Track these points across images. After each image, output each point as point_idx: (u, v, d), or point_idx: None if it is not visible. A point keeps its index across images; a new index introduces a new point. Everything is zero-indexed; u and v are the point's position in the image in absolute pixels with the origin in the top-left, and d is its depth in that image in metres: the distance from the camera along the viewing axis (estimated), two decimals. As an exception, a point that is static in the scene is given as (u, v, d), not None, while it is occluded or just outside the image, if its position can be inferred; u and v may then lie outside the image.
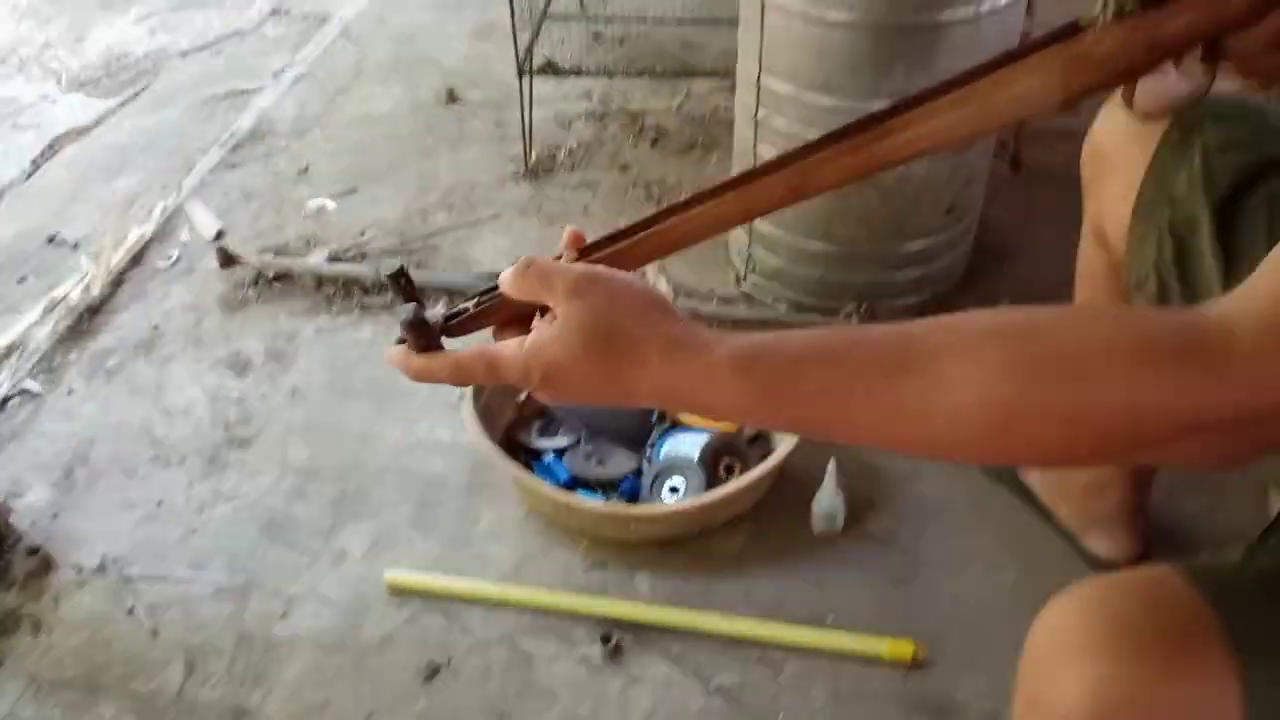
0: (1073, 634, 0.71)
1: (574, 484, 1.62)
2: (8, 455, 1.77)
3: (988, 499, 1.60)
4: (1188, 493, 1.59)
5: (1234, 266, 0.99)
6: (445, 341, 0.74)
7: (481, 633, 1.47)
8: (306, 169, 2.49)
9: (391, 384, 1.85)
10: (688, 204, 0.76)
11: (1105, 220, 1.21)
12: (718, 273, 2.08)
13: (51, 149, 2.64)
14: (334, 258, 2.15)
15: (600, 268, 0.69)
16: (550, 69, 2.50)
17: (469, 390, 1.63)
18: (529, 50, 2.38)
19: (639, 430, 1.69)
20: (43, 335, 1.99)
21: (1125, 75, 0.79)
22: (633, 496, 1.62)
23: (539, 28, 2.48)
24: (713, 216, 0.76)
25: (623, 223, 0.77)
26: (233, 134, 2.62)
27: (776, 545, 1.57)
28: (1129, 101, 0.89)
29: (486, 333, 0.75)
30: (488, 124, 2.61)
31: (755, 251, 1.96)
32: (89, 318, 2.04)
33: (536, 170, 2.42)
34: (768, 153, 1.76)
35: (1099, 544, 1.48)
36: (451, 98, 2.72)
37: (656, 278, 1.99)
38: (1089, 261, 1.32)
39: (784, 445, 1.58)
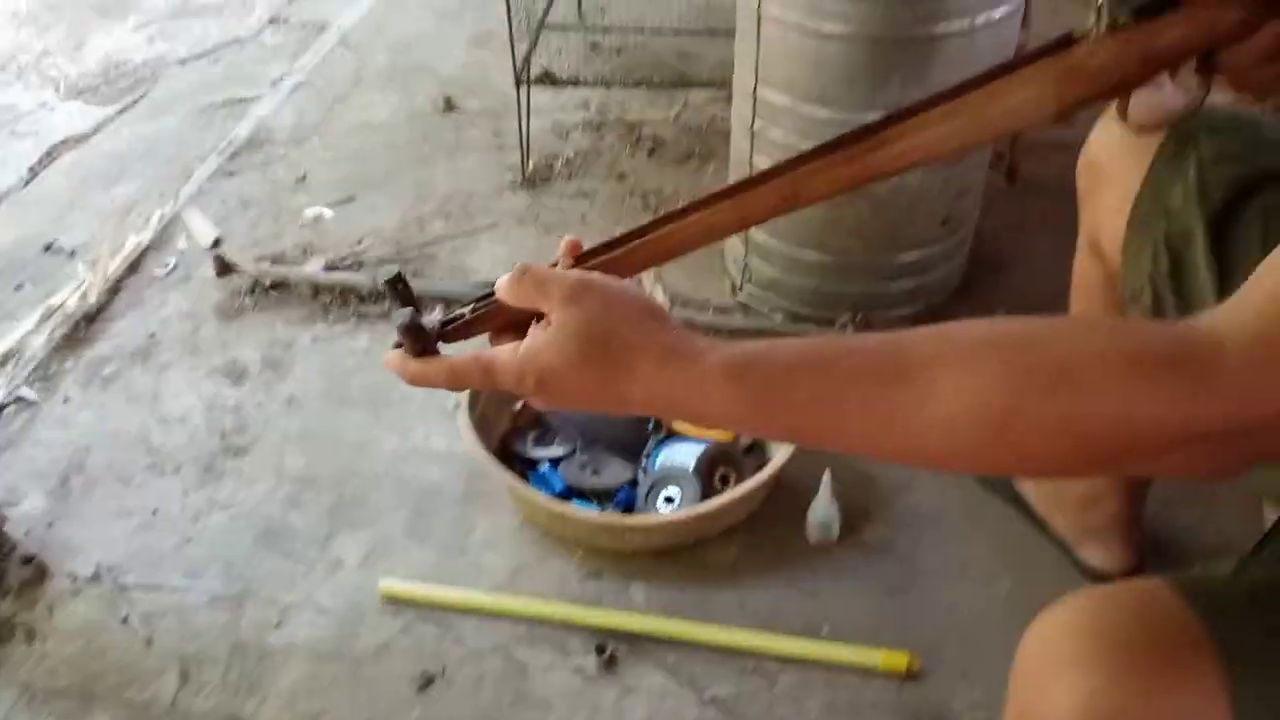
0: (1063, 646, 0.71)
1: (569, 494, 1.62)
2: (3, 463, 1.76)
3: (983, 509, 1.61)
4: (1182, 504, 1.59)
5: (1229, 279, 0.99)
6: (442, 347, 0.75)
7: (476, 642, 1.47)
8: (304, 177, 2.49)
9: (387, 392, 1.85)
10: (683, 212, 0.76)
11: (1100, 232, 1.21)
12: (714, 282, 2.08)
13: (49, 156, 2.64)
14: (331, 266, 2.16)
15: (595, 275, 0.69)
16: (548, 79, 2.51)
17: (465, 399, 1.63)
18: (526, 60, 2.38)
19: (634, 440, 1.70)
20: (39, 343, 1.99)
21: (1119, 88, 0.79)
22: (628, 506, 1.62)
23: (537, 37, 2.48)
24: (707, 225, 0.76)
25: (619, 232, 0.77)
26: (231, 142, 2.62)
27: (772, 555, 1.57)
28: (1123, 114, 0.90)
29: (483, 338, 0.76)
30: (485, 133, 2.62)
31: (751, 261, 1.96)
32: (85, 325, 2.04)
33: (534, 179, 2.42)
34: (764, 163, 1.77)
35: (1094, 555, 1.48)
36: (449, 106, 2.73)
37: (653, 287, 2.00)
38: (1084, 273, 1.32)
39: (779, 455, 1.58)
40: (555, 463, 1.67)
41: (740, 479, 1.59)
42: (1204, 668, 0.68)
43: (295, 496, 1.69)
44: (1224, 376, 0.58)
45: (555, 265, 0.75)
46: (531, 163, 2.44)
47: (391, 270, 0.74)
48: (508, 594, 1.52)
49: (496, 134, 2.59)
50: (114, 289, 2.13)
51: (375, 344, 1.97)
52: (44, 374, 1.93)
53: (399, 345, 0.74)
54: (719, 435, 1.67)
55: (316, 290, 2.09)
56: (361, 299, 2.07)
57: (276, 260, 2.19)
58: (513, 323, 0.72)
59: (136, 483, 1.72)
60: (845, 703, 1.38)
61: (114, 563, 1.59)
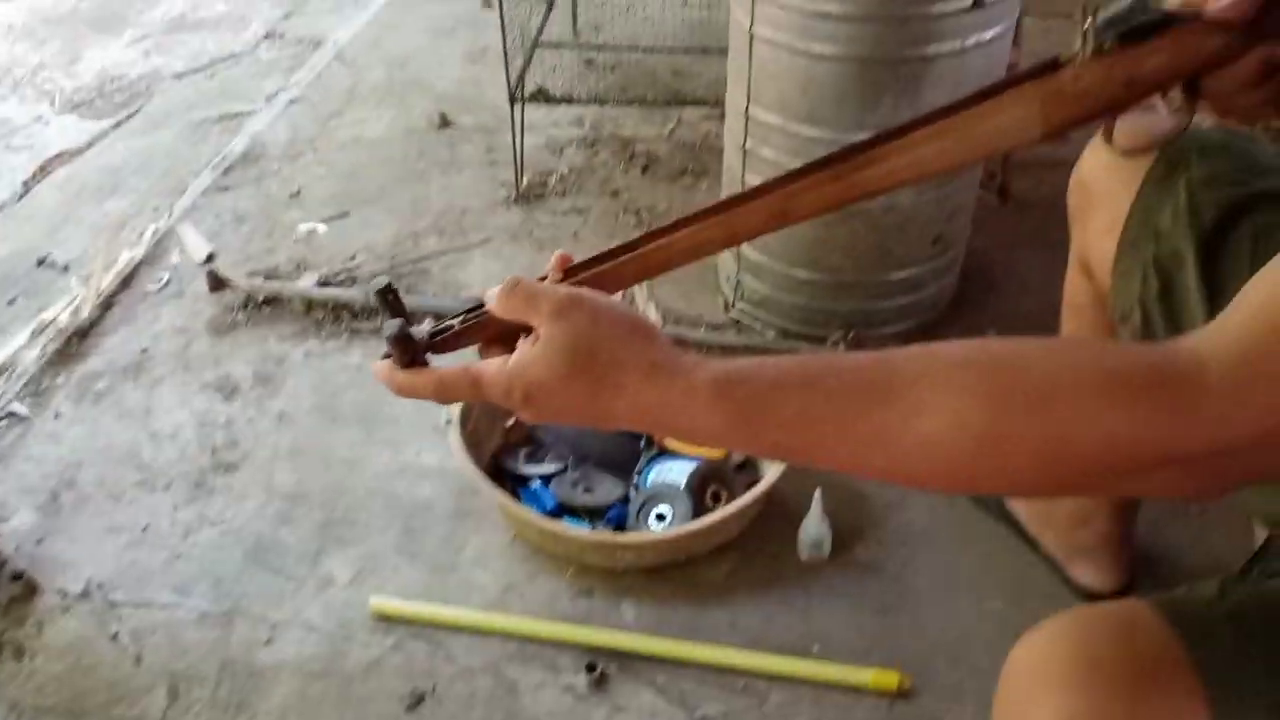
0: (1046, 668, 0.72)
1: (560, 511, 1.62)
2: (-6, 479, 1.76)
3: (974, 528, 1.61)
4: (1172, 523, 1.59)
5: (1219, 301, 1.00)
6: (431, 359, 0.75)
7: (466, 660, 1.46)
8: (298, 192, 2.49)
9: (379, 409, 1.85)
10: (672, 228, 0.77)
11: (1091, 253, 1.21)
12: (707, 299, 2.08)
13: (44, 170, 2.64)
14: (324, 282, 2.16)
15: (585, 290, 0.69)
16: (542, 95, 2.52)
17: (456, 416, 1.63)
18: (521, 77, 2.39)
19: (626, 457, 1.70)
20: (31, 358, 1.98)
21: (1105, 111, 0.80)
22: (619, 524, 1.62)
23: (531, 54, 2.50)
24: (696, 241, 0.77)
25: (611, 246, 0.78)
26: (225, 157, 2.62)
27: (763, 573, 1.57)
28: (1109, 138, 0.90)
29: (472, 350, 0.76)
30: (479, 149, 2.63)
31: (744, 279, 1.97)
32: (78, 340, 2.04)
33: (527, 196, 2.43)
34: (756, 181, 1.76)
35: (1084, 574, 1.48)
36: (444, 122, 2.74)
37: (646, 304, 2.00)
38: (1075, 292, 1.32)
39: (771, 473, 1.58)
40: (546, 480, 1.67)
41: (732, 497, 1.59)
42: (1185, 689, 0.68)
43: (286, 513, 1.68)
44: (1206, 398, 0.58)
45: (545, 279, 0.75)
46: (525, 179, 2.44)
47: (382, 281, 0.74)
48: (498, 612, 1.52)
49: (490, 150, 2.60)
50: (107, 304, 2.13)
51: (367, 360, 1.97)
52: (35, 389, 1.93)
53: (388, 356, 0.74)
54: (710, 453, 1.68)
55: (309, 306, 2.10)
56: (354, 315, 2.07)
57: (270, 275, 2.19)
58: (501, 335, 0.72)
59: (127, 499, 1.72)
60: (836, 721, 1.38)
61: (104, 579, 1.58)
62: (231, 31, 3.37)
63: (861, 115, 1.65)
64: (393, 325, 0.72)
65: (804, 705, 1.40)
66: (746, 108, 1.77)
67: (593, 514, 1.63)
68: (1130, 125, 0.90)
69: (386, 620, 1.51)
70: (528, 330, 0.69)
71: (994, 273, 2.11)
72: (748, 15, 1.69)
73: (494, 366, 0.69)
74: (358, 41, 3.22)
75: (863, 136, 0.77)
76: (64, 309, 2.09)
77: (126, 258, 2.24)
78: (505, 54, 2.25)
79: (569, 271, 0.76)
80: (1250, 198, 1.03)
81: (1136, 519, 1.48)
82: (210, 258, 2.21)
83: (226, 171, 2.57)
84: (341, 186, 2.51)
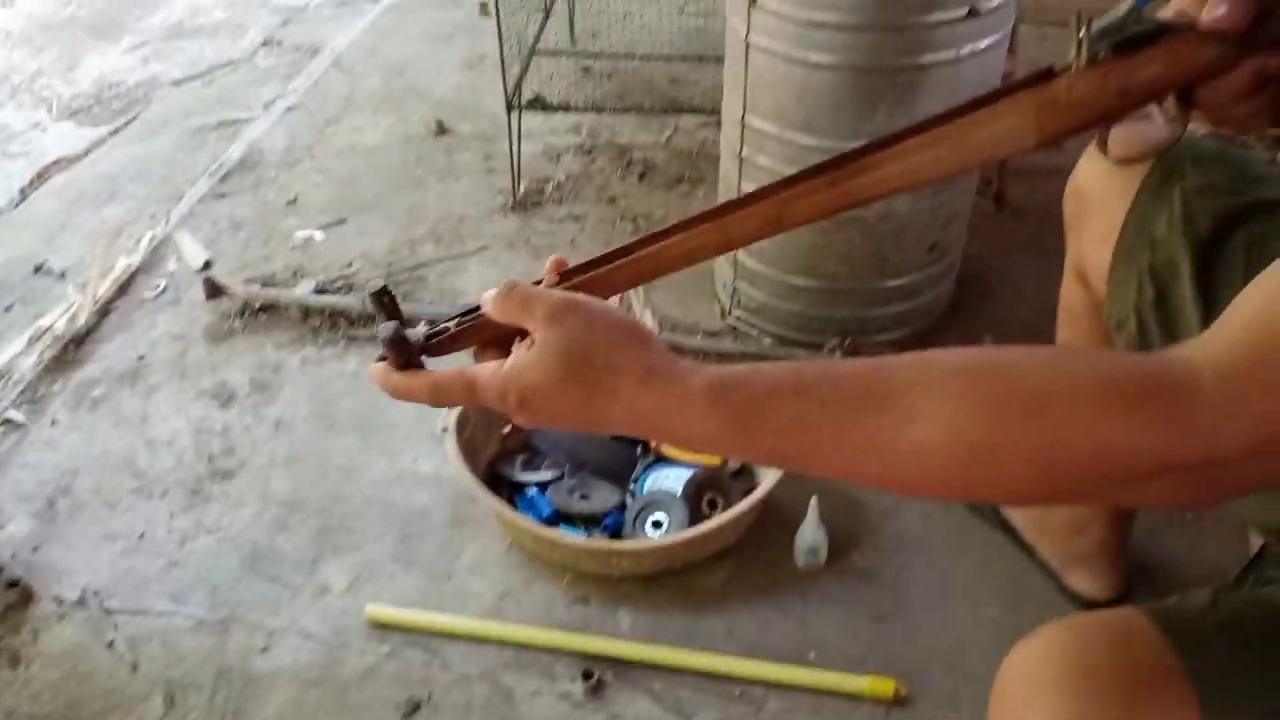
0: (1040, 675, 0.72)
1: (557, 518, 1.62)
2: (-10, 486, 1.76)
3: (970, 535, 1.61)
4: (1168, 531, 1.60)
5: (1213, 310, 0.99)
6: (427, 362, 0.75)
7: (463, 668, 1.46)
8: (295, 200, 2.50)
9: (375, 416, 1.86)
10: (667, 233, 0.77)
11: (1086, 261, 1.22)
12: (703, 306, 2.09)
13: (41, 177, 2.65)
14: (321, 289, 2.16)
15: (580, 295, 0.70)
16: (539, 103, 2.52)
17: (452, 423, 1.63)
18: (518, 84, 2.40)
19: (622, 465, 1.70)
20: (28, 365, 1.98)
21: (1099, 120, 0.80)
22: (616, 531, 1.62)
23: (528, 62, 2.50)
24: (691, 246, 0.77)
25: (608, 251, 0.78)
26: (222, 164, 2.63)
27: (759, 580, 1.57)
28: (1103, 147, 0.90)
29: (467, 354, 0.76)
30: (477, 156, 2.63)
31: (740, 286, 1.97)
32: (74, 348, 2.04)
33: (525, 203, 2.43)
34: (752, 189, 1.78)
35: (1080, 581, 1.49)
36: (441, 130, 2.74)
37: (642, 311, 2.00)
38: (1071, 300, 1.32)
39: (767, 480, 1.58)
40: (543, 487, 1.67)
41: (728, 504, 1.59)
42: (1178, 698, 0.68)
43: (282, 520, 1.68)
44: (1199, 407, 0.58)
45: (538, 283, 0.75)
46: (522, 186, 2.44)
47: (378, 283, 0.74)
48: (495, 619, 1.52)
49: (488, 158, 2.61)
50: (103, 311, 2.13)
51: (364, 367, 1.96)
52: (32, 396, 1.93)
53: (383, 358, 0.74)
54: (707, 460, 1.68)
55: (306, 313, 2.10)
56: (351, 322, 2.07)
57: (266, 283, 2.19)
58: (497, 338, 0.73)
59: (123, 506, 1.72)
60: (832, 729, 1.38)
61: (100, 586, 1.58)
62: (229, 39, 3.38)
63: (857, 124, 1.65)
64: (388, 328, 0.72)
65: (800, 712, 1.40)
66: (743, 116, 1.77)
67: (589, 521, 1.63)
68: (1125, 134, 0.91)
69: (382, 628, 1.51)
70: (523, 334, 0.69)
71: (990, 280, 2.12)
72: (744, 24, 1.69)
73: (489, 370, 0.69)
74: (355, 49, 3.23)
75: (858, 145, 0.77)
76: (61, 316, 2.09)
77: (123, 265, 2.24)
78: (502, 61, 2.25)
79: (564, 275, 0.76)
80: (1245, 207, 1.03)
81: (1133, 527, 1.48)
82: (207, 265, 2.21)
83: (224, 179, 2.57)
84: (338, 194, 2.51)
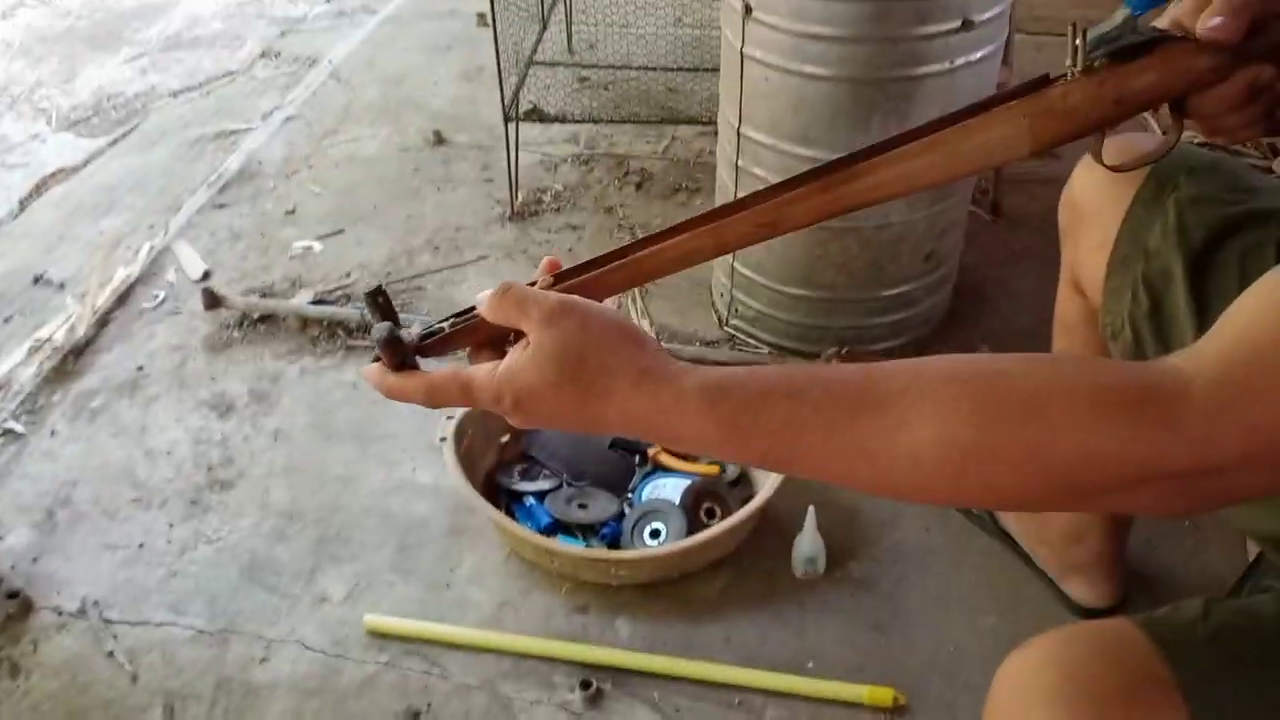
0: (1033, 684, 0.72)
1: (555, 528, 1.62)
2: (-11, 496, 1.76)
3: (967, 544, 1.61)
4: (1166, 539, 1.60)
5: (1207, 319, 1.00)
6: (423, 364, 0.75)
7: (461, 677, 1.46)
8: (293, 210, 2.50)
9: (374, 426, 1.86)
10: (662, 235, 0.77)
11: (1081, 270, 1.22)
12: (700, 315, 2.09)
13: (40, 188, 2.65)
14: (319, 299, 2.16)
15: (576, 297, 0.70)
16: (536, 114, 2.53)
17: (451, 433, 1.63)
18: (516, 95, 2.40)
19: (621, 474, 1.70)
20: (27, 376, 1.99)
21: (1093, 128, 0.80)
22: (614, 541, 1.62)
23: (526, 73, 2.51)
24: (686, 249, 0.77)
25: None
26: (221, 175, 2.63)
27: (758, 589, 1.57)
28: (1097, 155, 0.91)
29: (462, 355, 0.76)
30: (474, 167, 2.64)
31: (737, 295, 1.98)
32: (73, 358, 2.04)
33: (522, 213, 2.44)
34: (750, 199, 1.78)
35: (1078, 590, 1.49)
36: (439, 141, 2.75)
37: (640, 319, 2.01)
38: (1066, 309, 1.33)
39: (765, 489, 1.58)
40: (541, 497, 1.67)
41: (726, 513, 1.60)
42: (1168, 707, 0.69)
43: (281, 530, 1.69)
44: (1190, 416, 0.58)
45: (532, 284, 0.75)
46: (520, 196, 2.45)
47: (373, 284, 0.74)
48: (493, 629, 1.52)
49: (485, 168, 2.61)
50: (102, 322, 2.13)
51: (362, 377, 1.97)
52: (31, 407, 1.93)
53: (378, 359, 0.74)
54: (705, 469, 1.68)
55: (304, 323, 2.10)
56: (349, 332, 2.07)
57: (265, 293, 2.20)
58: (492, 339, 0.73)
59: (122, 516, 1.72)
60: (830, 738, 1.38)
61: (99, 597, 1.58)
62: (228, 50, 3.38)
63: (852, 135, 1.66)
64: (382, 328, 0.72)
65: (799, 721, 1.40)
66: (738, 127, 1.78)
67: (587, 531, 1.63)
68: (1119, 143, 0.91)
69: (381, 638, 1.51)
70: (518, 335, 0.69)
71: (986, 289, 2.12)
72: (739, 36, 1.70)
73: (484, 371, 0.69)
74: (353, 60, 3.24)
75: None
76: (60, 327, 2.09)
77: (122, 275, 2.24)
78: (500, 72, 2.26)
79: (559, 277, 0.76)
80: (1238, 217, 1.03)
81: (1130, 535, 1.49)
82: (206, 275, 2.22)
83: (222, 189, 2.58)
84: (337, 204, 2.52)
